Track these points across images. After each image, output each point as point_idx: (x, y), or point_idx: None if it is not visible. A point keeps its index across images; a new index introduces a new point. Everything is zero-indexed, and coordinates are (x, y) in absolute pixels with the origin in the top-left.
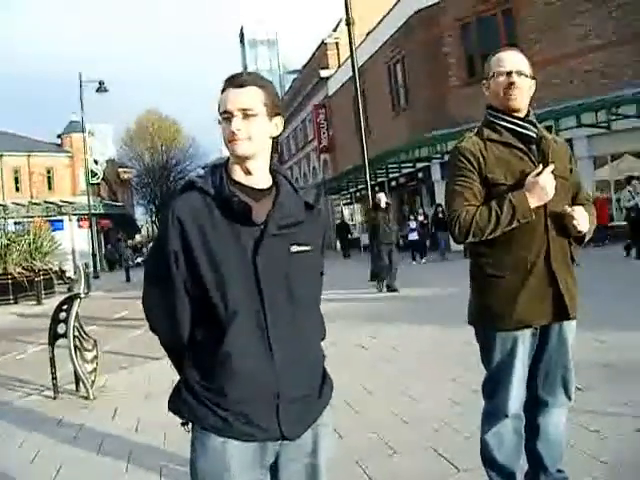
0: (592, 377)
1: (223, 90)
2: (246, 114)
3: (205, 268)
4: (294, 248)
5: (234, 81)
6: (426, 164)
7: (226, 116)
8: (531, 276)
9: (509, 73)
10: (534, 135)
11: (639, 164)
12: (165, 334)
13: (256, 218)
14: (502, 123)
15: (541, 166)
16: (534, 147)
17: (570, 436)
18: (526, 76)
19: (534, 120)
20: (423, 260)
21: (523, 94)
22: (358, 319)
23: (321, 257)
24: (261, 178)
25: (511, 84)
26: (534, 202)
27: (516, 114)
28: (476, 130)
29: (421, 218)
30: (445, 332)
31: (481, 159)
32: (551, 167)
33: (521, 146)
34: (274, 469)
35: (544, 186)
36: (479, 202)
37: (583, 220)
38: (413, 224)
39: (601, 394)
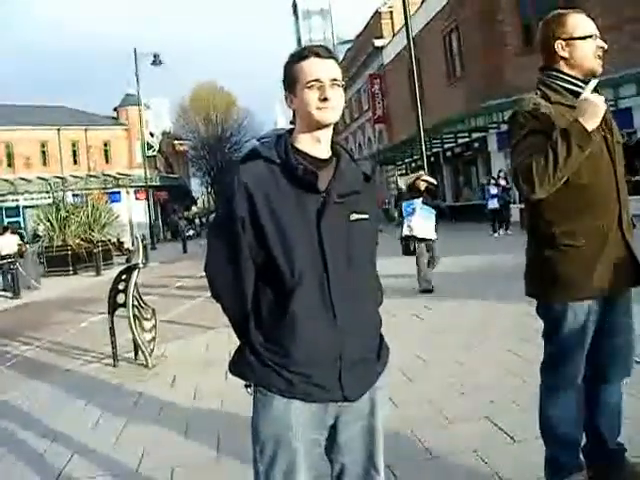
0: None
1: (302, 59)
2: (334, 84)
3: (272, 233)
4: (353, 216)
5: (317, 51)
6: (482, 134)
7: (314, 84)
8: (607, 244)
9: (599, 37)
10: (596, 79)
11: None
12: (229, 300)
13: (320, 186)
14: (567, 85)
15: (592, 82)
16: None
17: (628, 409)
18: None
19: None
20: (506, 231)
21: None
22: (413, 290)
23: (376, 225)
24: (325, 148)
25: (603, 47)
26: (589, 122)
27: (582, 77)
28: (539, 92)
29: (503, 182)
30: (502, 304)
31: (554, 120)
32: (592, 83)
33: None
34: (332, 430)
35: (592, 100)
36: None
37: None
38: (494, 189)
39: None
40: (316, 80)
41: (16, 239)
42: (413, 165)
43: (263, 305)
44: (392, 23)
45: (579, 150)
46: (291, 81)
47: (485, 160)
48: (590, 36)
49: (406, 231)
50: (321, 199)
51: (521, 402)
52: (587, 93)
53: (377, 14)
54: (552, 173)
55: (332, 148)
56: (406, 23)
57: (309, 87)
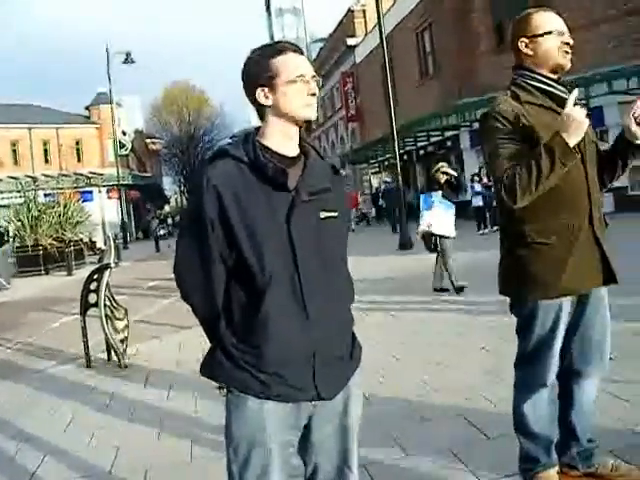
0: (623, 345)
1: (278, 53)
2: (314, 80)
3: (242, 234)
4: (323, 214)
5: (294, 47)
6: (455, 132)
7: (298, 79)
8: (577, 242)
9: (563, 33)
10: (567, 97)
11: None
12: (199, 302)
13: (290, 184)
14: (536, 84)
15: (573, 93)
16: None
17: (601, 405)
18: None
19: (565, 83)
20: (492, 228)
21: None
22: (388, 288)
23: (346, 223)
24: (294, 146)
25: (567, 43)
26: (571, 138)
27: (552, 75)
28: (509, 93)
29: (485, 180)
30: (477, 301)
31: (524, 121)
32: (574, 94)
33: (557, 109)
34: (306, 430)
35: (575, 116)
36: None
37: None
38: (477, 187)
39: (633, 362)
40: (301, 75)
41: None
42: (386, 163)
43: (234, 306)
44: (365, 21)
45: (562, 166)
46: (268, 75)
47: (458, 158)
48: (550, 32)
49: (423, 226)
50: (290, 197)
51: (495, 399)
52: (570, 107)
53: (350, 12)
54: (535, 187)
55: (300, 145)
56: (379, 21)
57: (293, 82)
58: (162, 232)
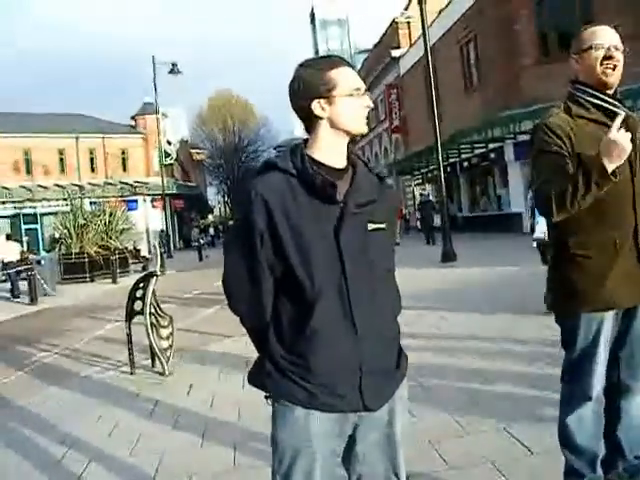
0: None
1: (335, 66)
2: (366, 94)
3: (291, 247)
4: (370, 226)
5: (346, 62)
6: (499, 144)
7: (356, 93)
8: (619, 256)
9: (607, 47)
10: (622, 113)
11: None
12: (248, 314)
13: (338, 197)
14: (590, 99)
15: (618, 119)
16: (623, 124)
17: None
18: (621, 52)
19: (620, 98)
20: None
21: (619, 70)
22: (431, 300)
23: (393, 233)
24: (342, 158)
25: (610, 57)
26: (611, 163)
27: (606, 91)
28: (562, 106)
29: None
30: (523, 312)
31: (572, 136)
32: (618, 120)
33: (610, 123)
34: (350, 440)
35: (618, 142)
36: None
37: None
38: None
39: None
40: (358, 89)
41: (17, 246)
42: (429, 175)
43: (283, 317)
44: (409, 33)
45: (597, 188)
46: (327, 87)
47: (502, 170)
48: (591, 47)
49: (538, 233)
50: (339, 210)
51: (539, 413)
52: (614, 132)
53: (394, 24)
54: (570, 205)
55: (347, 157)
56: (423, 33)
57: (350, 95)
58: (201, 242)
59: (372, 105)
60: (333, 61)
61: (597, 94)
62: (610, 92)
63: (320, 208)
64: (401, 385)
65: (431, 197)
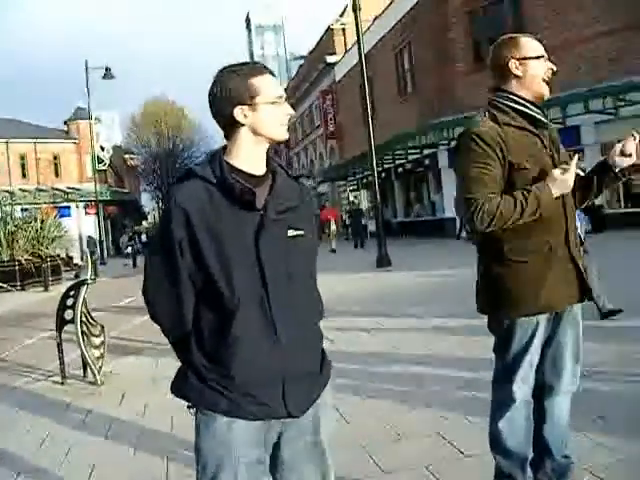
0: (600, 362)
1: (257, 74)
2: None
3: (210, 255)
4: (291, 232)
5: (269, 69)
6: (433, 150)
7: (279, 100)
8: (554, 260)
9: (550, 60)
10: (544, 120)
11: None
12: (169, 323)
13: (257, 204)
14: (516, 107)
15: (574, 157)
16: (545, 132)
17: (579, 423)
18: None
19: (542, 107)
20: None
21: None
22: (364, 304)
23: (314, 240)
24: (262, 164)
25: (552, 72)
26: (556, 194)
27: (536, 101)
28: (488, 114)
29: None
30: (456, 316)
31: (502, 144)
32: (575, 161)
33: (534, 130)
34: (276, 447)
35: (568, 182)
36: (499, 189)
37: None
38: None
39: (609, 379)
40: (280, 97)
41: None
42: (364, 181)
43: (204, 326)
44: (344, 40)
45: (541, 213)
46: (249, 94)
47: (436, 176)
48: (541, 56)
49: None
50: (258, 217)
51: (471, 416)
52: (572, 170)
53: (330, 31)
54: (510, 223)
55: (267, 164)
56: (358, 40)
57: (273, 103)
58: (129, 250)
59: (293, 113)
60: (255, 68)
61: (523, 102)
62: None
63: (240, 215)
64: (325, 391)
65: (363, 204)
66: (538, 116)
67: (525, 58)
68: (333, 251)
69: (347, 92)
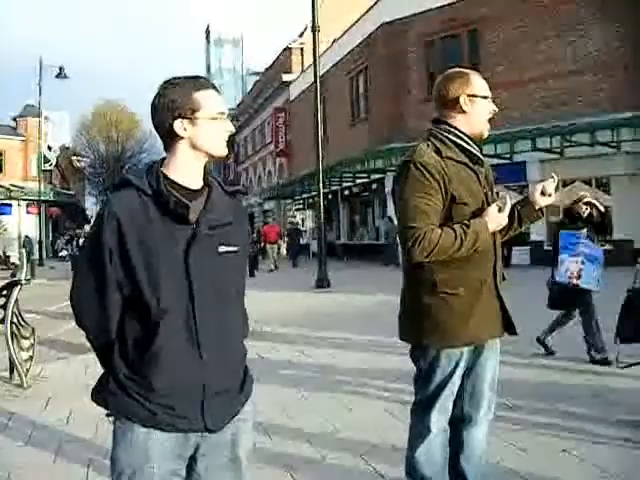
0: (520, 395)
1: (201, 88)
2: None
3: (139, 265)
4: (222, 248)
5: (213, 84)
6: (381, 176)
7: (220, 117)
8: (483, 294)
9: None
10: (480, 157)
11: (588, 192)
12: (94, 329)
13: (191, 217)
14: (458, 141)
15: (508, 194)
16: (481, 168)
17: (497, 453)
18: None
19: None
20: None
21: None
22: (299, 324)
23: (246, 257)
24: (199, 178)
25: (494, 111)
26: (492, 230)
27: (476, 138)
28: (431, 146)
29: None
30: (386, 341)
31: (445, 177)
32: (509, 198)
33: (472, 166)
34: (192, 461)
35: (503, 219)
36: (439, 221)
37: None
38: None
39: (529, 412)
40: (222, 113)
41: None
42: (310, 201)
43: (128, 336)
44: (302, 59)
45: (478, 247)
46: (191, 108)
47: (382, 202)
48: (486, 97)
49: (564, 278)
50: (191, 231)
51: (396, 442)
52: (508, 208)
53: (287, 49)
54: (448, 255)
55: (204, 178)
56: (314, 62)
57: (214, 119)
58: (64, 253)
59: (233, 130)
60: (200, 82)
61: (464, 137)
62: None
63: (172, 228)
64: (246, 407)
65: (307, 224)
66: (476, 152)
67: (475, 96)
68: (271, 270)
69: (300, 112)
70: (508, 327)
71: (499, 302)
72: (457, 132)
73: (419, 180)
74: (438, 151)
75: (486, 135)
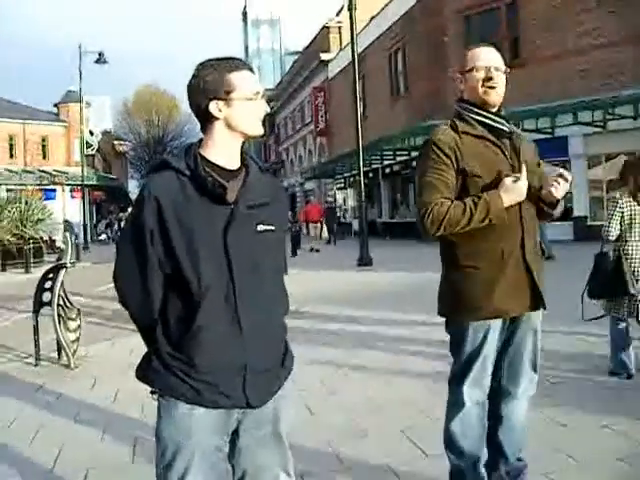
0: (563, 371)
1: (235, 69)
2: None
3: (180, 245)
4: (260, 227)
5: (248, 65)
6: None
7: (255, 97)
8: (507, 267)
9: (488, 68)
10: (506, 129)
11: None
12: (137, 309)
13: (229, 198)
14: (476, 117)
15: (523, 166)
16: (506, 141)
17: (538, 427)
18: (502, 72)
19: (505, 116)
20: None
21: (499, 89)
22: (341, 301)
23: (284, 235)
24: (236, 159)
25: (490, 79)
26: (508, 203)
27: (490, 109)
28: (449, 123)
29: None
30: (426, 318)
31: (457, 151)
32: (524, 171)
33: (494, 140)
34: (234, 436)
35: (520, 191)
36: (452, 195)
37: (562, 188)
38: None
39: (570, 388)
40: (257, 93)
41: None
42: (351, 180)
43: (170, 314)
44: (340, 38)
45: (490, 221)
46: (225, 89)
47: None
48: (472, 69)
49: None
50: (229, 210)
51: (436, 416)
52: (523, 178)
53: (325, 28)
54: (459, 228)
55: (241, 158)
56: (352, 40)
57: (249, 99)
58: (103, 237)
59: (268, 110)
60: (235, 64)
61: (481, 112)
62: (494, 110)
63: (211, 208)
64: (286, 383)
65: (348, 203)
66: (496, 124)
67: (463, 72)
68: (312, 250)
69: (340, 90)
70: (538, 302)
71: (528, 277)
72: (471, 107)
73: (431, 157)
74: (455, 127)
75: (493, 103)
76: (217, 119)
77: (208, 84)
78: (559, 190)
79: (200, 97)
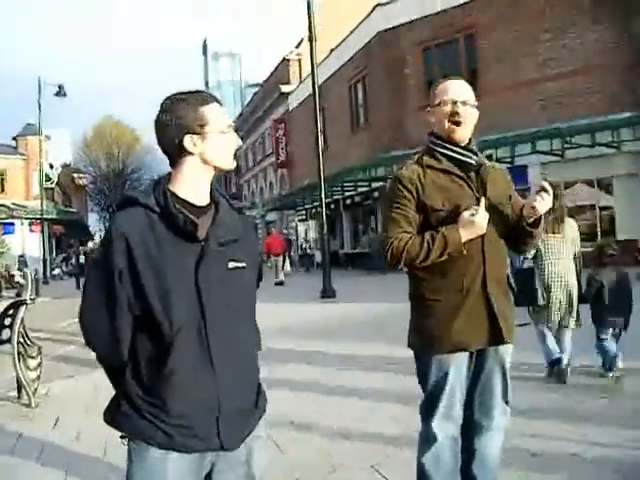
0: (535, 400)
1: (206, 102)
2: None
3: (150, 284)
4: (231, 264)
5: (216, 98)
6: (382, 184)
7: (228, 130)
8: (467, 300)
9: (454, 102)
10: (473, 163)
11: (590, 193)
12: (105, 351)
13: (199, 234)
14: (442, 151)
15: (482, 200)
16: (473, 174)
17: (510, 458)
18: (471, 106)
19: (475, 148)
20: None
21: (466, 124)
22: (307, 334)
23: (255, 272)
24: (206, 194)
25: (455, 113)
26: (467, 237)
27: (459, 142)
28: (416, 157)
29: None
30: (388, 351)
31: (419, 186)
32: (483, 204)
33: (460, 173)
34: (207, 478)
35: (479, 225)
36: (414, 229)
37: (546, 202)
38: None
39: (545, 416)
40: (230, 126)
41: None
42: (313, 211)
43: (141, 356)
44: (300, 70)
45: (448, 255)
46: (199, 123)
47: None
48: (439, 103)
49: None
50: (200, 247)
51: (406, 450)
52: (481, 213)
53: (285, 60)
54: (419, 262)
55: (211, 194)
56: (312, 71)
57: (223, 132)
58: (57, 271)
59: (241, 143)
60: (204, 97)
61: (447, 146)
62: (463, 143)
63: (181, 246)
64: (259, 423)
65: (310, 234)
66: (462, 158)
67: (433, 105)
68: (281, 283)
69: (300, 122)
70: (498, 337)
71: (488, 311)
72: (438, 141)
73: (394, 192)
74: (420, 161)
75: (459, 138)
76: (191, 154)
77: (181, 119)
78: (542, 205)
79: (173, 132)
